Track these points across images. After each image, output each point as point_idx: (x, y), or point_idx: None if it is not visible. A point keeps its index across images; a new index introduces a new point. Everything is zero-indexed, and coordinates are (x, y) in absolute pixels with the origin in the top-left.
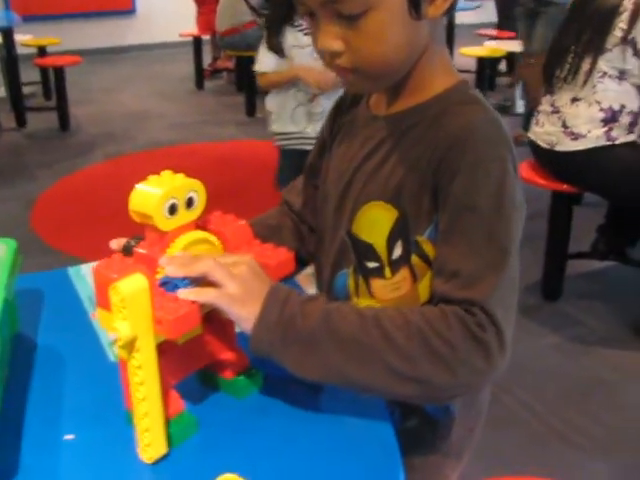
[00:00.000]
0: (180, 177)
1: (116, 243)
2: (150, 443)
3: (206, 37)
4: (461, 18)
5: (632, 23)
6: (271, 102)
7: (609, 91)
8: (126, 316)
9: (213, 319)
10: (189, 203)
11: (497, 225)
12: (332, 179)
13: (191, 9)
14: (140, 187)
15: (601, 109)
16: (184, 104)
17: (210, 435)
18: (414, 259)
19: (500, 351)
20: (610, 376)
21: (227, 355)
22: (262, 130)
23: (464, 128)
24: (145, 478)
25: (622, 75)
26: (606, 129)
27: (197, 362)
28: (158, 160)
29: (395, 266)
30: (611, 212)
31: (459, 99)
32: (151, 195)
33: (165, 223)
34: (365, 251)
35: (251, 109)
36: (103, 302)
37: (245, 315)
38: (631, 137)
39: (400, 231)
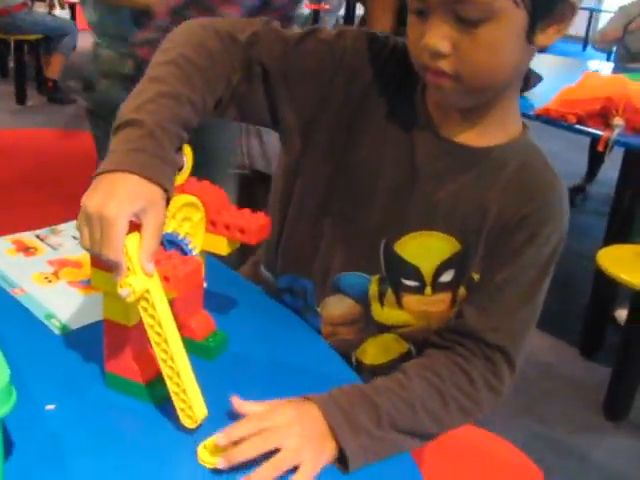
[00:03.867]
0: None
1: None
2: (190, 405)
3: None
4: None
5: None
6: None
7: None
8: (134, 269)
9: None
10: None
11: (542, 282)
12: (371, 176)
13: None
14: None
15: None
16: None
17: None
18: (461, 289)
19: (509, 382)
20: None
21: (195, 319)
22: (37, 118)
23: (551, 196)
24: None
25: None
26: None
27: None
28: None
29: (438, 287)
30: None
31: (535, 152)
32: None
33: None
34: (406, 270)
35: (22, 96)
36: (98, 262)
37: (326, 456)
38: None
39: (456, 263)
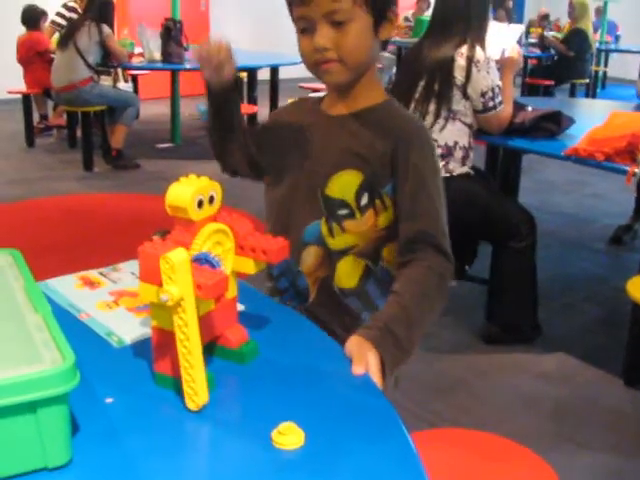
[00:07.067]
0: (204, 179)
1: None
2: (196, 392)
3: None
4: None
5: (467, 73)
6: None
7: (445, 130)
8: (175, 280)
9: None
10: (210, 200)
11: (439, 182)
12: (299, 158)
13: (16, 67)
14: (174, 187)
15: (439, 146)
16: (17, 161)
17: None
18: (377, 202)
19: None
20: (464, 374)
21: (231, 330)
22: (103, 183)
23: (414, 127)
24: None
25: (453, 115)
26: (443, 163)
27: (209, 334)
28: (3, 215)
29: (363, 209)
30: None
31: (399, 108)
32: (185, 192)
33: (195, 214)
34: (338, 204)
35: (89, 164)
36: (147, 277)
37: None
38: (464, 169)
39: (365, 187)
